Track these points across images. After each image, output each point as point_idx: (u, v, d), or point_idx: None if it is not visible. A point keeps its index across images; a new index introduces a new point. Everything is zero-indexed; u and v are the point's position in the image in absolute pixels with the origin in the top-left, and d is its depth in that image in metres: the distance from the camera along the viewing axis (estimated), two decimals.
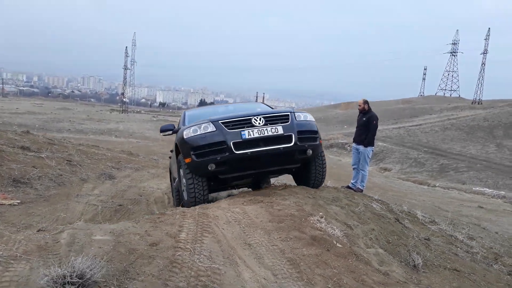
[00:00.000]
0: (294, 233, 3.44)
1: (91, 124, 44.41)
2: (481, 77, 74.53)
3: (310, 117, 5.60)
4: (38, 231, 3.02)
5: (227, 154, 4.86)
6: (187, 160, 5.07)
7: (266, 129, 4.96)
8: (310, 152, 5.25)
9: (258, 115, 5.14)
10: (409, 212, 6.83)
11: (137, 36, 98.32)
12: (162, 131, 6.52)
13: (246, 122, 5.02)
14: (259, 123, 5.00)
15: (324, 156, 5.86)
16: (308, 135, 5.30)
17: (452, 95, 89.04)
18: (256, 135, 4.91)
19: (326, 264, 3.09)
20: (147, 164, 13.22)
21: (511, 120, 37.56)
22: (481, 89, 73.15)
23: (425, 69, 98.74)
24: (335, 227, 3.87)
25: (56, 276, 2.05)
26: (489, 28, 75.44)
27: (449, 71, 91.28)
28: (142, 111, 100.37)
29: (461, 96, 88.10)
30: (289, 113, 5.32)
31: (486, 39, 74.86)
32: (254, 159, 4.97)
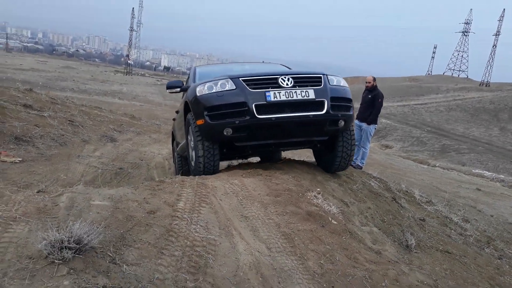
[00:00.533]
0: (290, 208, 3.48)
1: (94, 84, 44.28)
2: (491, 59, 73.45)
3: (344, 82, 4.84)
4: (38, 192, 3.05)
5: (247, 118, 4.17)
6: (199, 122, 4.40)
7: (295, 92, 4.24)
8: (342, 123, 4.54)
9: (286, 74, 4.41)
10: (407, 191, 6.87)
11: None
12: (169, 87, 5.72)
13: (271, 82, 4.31)
14: (287, 84, 4.28)
15: (353, 131, 5.09)
16: (342, 103, 4.57)
17: (460, 76, 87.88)
18: (283, 98, 4.20)
19: (320, 240, 3.14)
20: (149, 128, 13.24)
21: None
22: (490, 71, 72.21)
23: (435, 47, 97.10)
24: (331, 204, 3.91)
25: (54, 240, 2.09)
26: (504, 9, 73.75)
27: (459, 51, 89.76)
28: (146, 74, 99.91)
29: (469, 77, 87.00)
30: (321, 76, 4.58)
31: (500, 20, 73.31)
32: (278, 127, 4.32)
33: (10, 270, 1.94)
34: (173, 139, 8.15)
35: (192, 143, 4.78)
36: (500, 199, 12.59)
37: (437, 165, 20.56)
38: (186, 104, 4.90)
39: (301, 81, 4.41)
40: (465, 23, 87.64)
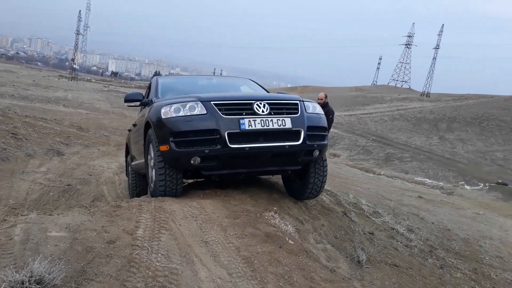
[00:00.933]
0: (249, 230, 3.56)
1: (37, 90, 42.11)
2: (431, 71, 78.21)
3: (319, 109, 4.64)
4: None
5: (218, 147, 3.88)
6: (163, 148, 4.01)
7: (272, 120, 4.00)
8: (317, 153, 4.37)
9: (262, 99, 4.12)
10: (355, 204, 7.17)
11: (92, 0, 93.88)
12: (127, 100, 5.24)
13: (246, 108, 4.01)
14: (262, 111, 4.01)
15: (326, 159, 4.90)
16: (318, 132, 4.40)
17: (403, 86, 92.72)
18: (259, 126, 3.93)
19: (278, 261, 3.24)
20: (97, 140, 12.85)
21: (455, 114, 39.88)
22: (431, 82, 76.85)
23: (380, 58, 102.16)
24: (288, 223, 4.03)
25: (14, 281, 2.01)
26: (443, 24, 79.34)
27: (402, 62, 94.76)
28: (93, 80, 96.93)
29: (411, 87, 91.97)
30: (298, 102, 4.36)
31: (439, 34, 78.54)
32: (251, 157, 4.09)
33: None
34: (127, 152, 7.66)
35: (152, 163, 4.43)
36: (440, 206, 13.40)
37: (382, 173, 21.50)
38: (148, 124, 4.51)
39: (277, 107, 4.17)
40: (408, 36, 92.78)
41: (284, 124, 4.06)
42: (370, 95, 63.73)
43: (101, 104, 39.77)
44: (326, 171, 4.87)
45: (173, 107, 4.03)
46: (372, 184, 15.64)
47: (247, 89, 5.97)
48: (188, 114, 3.95)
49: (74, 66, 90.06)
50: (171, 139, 3.95)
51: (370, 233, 5.30)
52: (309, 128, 4.25)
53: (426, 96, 69.41)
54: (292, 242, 3.68)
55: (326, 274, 3.45)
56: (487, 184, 20.97)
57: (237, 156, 4.00)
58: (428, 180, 20.55)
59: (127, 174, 7.84)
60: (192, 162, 3.96)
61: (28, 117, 12.04)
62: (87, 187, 7.60)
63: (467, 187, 20.56)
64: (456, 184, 20.78)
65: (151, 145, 4.40)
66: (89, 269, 2.40)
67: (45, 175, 7.78)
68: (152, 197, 4.37)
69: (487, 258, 7.11)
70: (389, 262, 4.47)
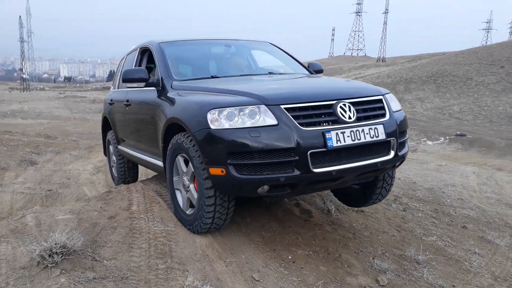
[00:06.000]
0: None
1: None
2: (383, 36, 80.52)
3: (397, 103, 3.54)
4: None
5: (297, 173, 2.74)
6: (216, 172, 2.82)
7: (363, 131, 2.90)
8: (399, 163, 3.38)
9: (344, 98, 2.99)
10: None
11: (31, 3, 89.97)
12: (128, 80, 3.76)
13: (327, 112, 2.89)
14: (349, 117, 2.91)
15: None
16: (405, 137, 3.42)
17: (359, 54, 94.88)
18: (349, 141, 2.83)
19: (258, 216, 3.76)
20: (67, 146, 12.92)
21: (411, 75, 41.39)
22: (385, 47, 79.27)
23: (333, 29, 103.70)
24: None
25: (44, 249, 2.47)
26: None
27: (355, 30, 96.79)
28: (46, 88, 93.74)
29: (367, 54, 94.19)
30: (382, 97, 3.27)
31: None
32: (333, 180, 2.96)
33: (10, 280, 2.27)
34: (105, 127, 6.30)
35: (186, 185, 3.28)
36: (405, 164, 14.29)
37: None
38: (173, 125, 3.29)
39: (362, 109, 3.07)
40: (357, 3, 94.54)
41: (377, 135, 2.98)
42: (328, 68, 64.94)
43: (61, 111, 38.72)
44: (395, 174, 3.92)
45: (225, 112, 2.79)
46: None
47: (269, 58, 4.82)
48: (251, 125, 2.74)
49: (24, 76, 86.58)
50: (229, 160, 2.76)
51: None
52: (400, 135, 3.25)
53: (382, 61, 71.58)
54: (268, 201, 4.19)
55: (301, 222, 3.99)
56: (447, 137, 22.24)
57: (320, 182, 2.94)
58: None
59: (105, 153, 6.91)
60: (259, 192, 2.83)
61: None
62: (68, 190, 7.84)
63: (429, 142, 21.75)
64: (418, 142, 21.93)
65: (181, 160, 3.27)
66: (99, 239, 2.84)
67: (23, 184, 7.96)
68: (186, 227, 3.31)
69: (448, 201, 7.80)
70: (355, 209, 5.05)
